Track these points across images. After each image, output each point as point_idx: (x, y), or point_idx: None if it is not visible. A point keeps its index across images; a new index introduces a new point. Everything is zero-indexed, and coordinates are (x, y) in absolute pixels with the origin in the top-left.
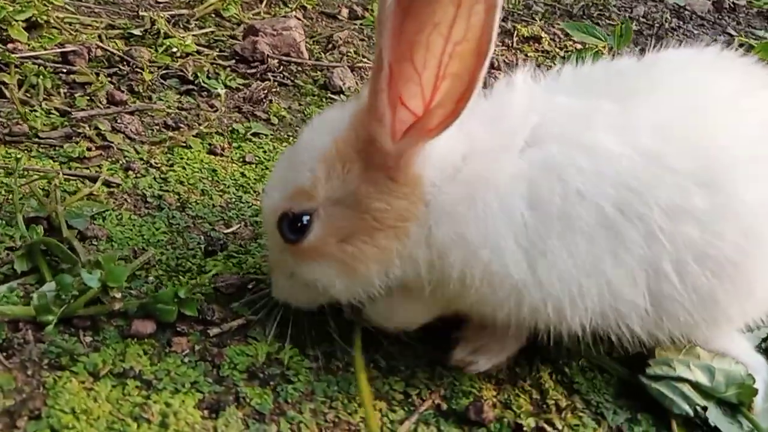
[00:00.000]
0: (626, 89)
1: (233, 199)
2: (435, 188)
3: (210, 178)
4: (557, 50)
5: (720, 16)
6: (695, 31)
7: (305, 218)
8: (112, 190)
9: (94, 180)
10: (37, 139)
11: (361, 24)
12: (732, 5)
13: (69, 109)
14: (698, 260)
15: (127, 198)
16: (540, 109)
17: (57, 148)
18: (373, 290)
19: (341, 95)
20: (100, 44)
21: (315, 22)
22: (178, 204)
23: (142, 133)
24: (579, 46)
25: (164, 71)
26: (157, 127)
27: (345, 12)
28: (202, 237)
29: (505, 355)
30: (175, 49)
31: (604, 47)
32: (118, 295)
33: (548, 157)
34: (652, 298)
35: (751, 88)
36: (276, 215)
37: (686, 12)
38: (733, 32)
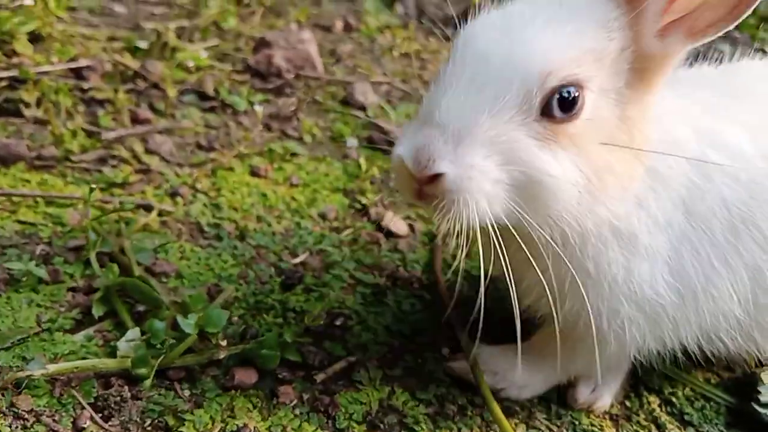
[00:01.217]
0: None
1: (292, 226)
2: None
3: (262, 204)
4: None
5: None
6: None
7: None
8: (164, 218)
9: (145, 208)
10: (69, 163)
11: (358, 36)
12: None
13: (97, 129)
14: None
15: (182, 227)
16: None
17: (93, 172)
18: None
19: (364, 111)
20: (118, 59)
21: (312, 34)
22: (237, 233)
23: (177, 155)
24: None
25: (181, 86)
26: (191, 148)
27: (339, 24)
28: (273, 269)
29: (620, 385)
30: (189, 63)
31: None
32: (224, 343)
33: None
34: (751, 307)
35: None
36: (558, 81)
37: None
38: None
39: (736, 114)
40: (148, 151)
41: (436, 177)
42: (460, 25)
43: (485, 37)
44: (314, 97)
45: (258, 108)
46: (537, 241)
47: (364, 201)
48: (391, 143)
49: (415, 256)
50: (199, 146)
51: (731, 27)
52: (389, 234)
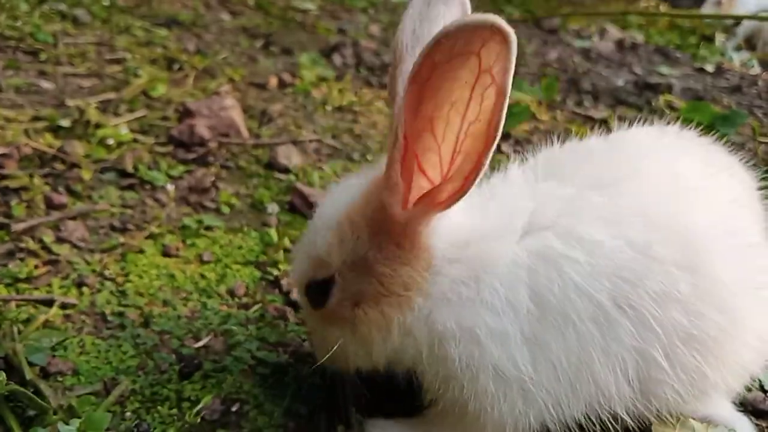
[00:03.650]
0: (605, 176)
1: (198, 307)
2: (442, 261)
3: (169, 286)
4: None
5: (623, 56)
6: (604, 73)
7: (324, 286)
8: (68, 312)
9: (47, 303)
10: None
11: (292, 92)
12: (632, 44)
13: (7, 221)
14: (685, 342)
15: (85, 319)
16: (532, 197)
17: None
18: (378, 361)
19: (288, 174)
20: (30, 142)
21: (245, 94)
22: (141, 320)
23: (89, 240)
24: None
25: (101, 165)
26: (104, 231)
27: (274, 81)
28: (174, 356)
29: None
30: (110, 141)
31: (532, 102)
32: None
33: (546, 247)
34: (640, 384)
35: (716, 168)
36: (303, 285)
37: (593, 54)
38: (638, 71)
39: (599, 210)
40: (59, 240)
41: None
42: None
43: None
44: (237, 163)
45: (170, 188)
46: None
47: (275, 273)
48: (310, 206)
49: None
50: (113, 228)
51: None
52: (297, 306)
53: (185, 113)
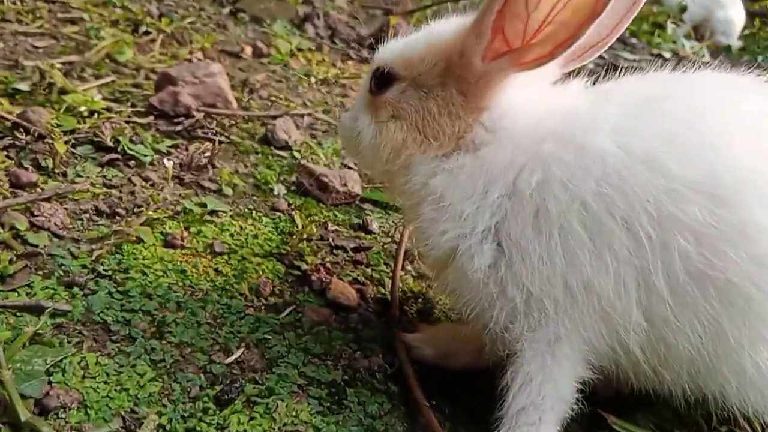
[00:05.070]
0: (647, 95)
1: (219, 310)
2: (487, 132)
3: (181, 284)
4: None
5: None
6: None
7: (391, 79)
8: (58, 320)
9: (32, 310)
10: None
11: (269, 62)
12: None
13: None
14: (695, 279)
15: (83, 331)
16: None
17: None
18: (377, 170)
19: (288, 150)
20: None
21: (220, 63)
22: (153, 329)
23: (71, 227)
24: None
25: (73, 137)
26: (88, 216)
27: (249, 50)
28: (203, 376)
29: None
30: (81, 108)
31: None
32: None
33: (541, 152)
34: (648, 316)
35: None
36: (380, 64)
37: None
38: (604, 55)
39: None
40: (35, 227)
41: None
42: (376, 47)
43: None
44: (230, 137)
45: (168, 163)
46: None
47: (303, 266)
48: (322, 187)
49: (371, 333)
50: (99, 212)
51: (552, 62)
52: (337, 307)
53: (165, 80)
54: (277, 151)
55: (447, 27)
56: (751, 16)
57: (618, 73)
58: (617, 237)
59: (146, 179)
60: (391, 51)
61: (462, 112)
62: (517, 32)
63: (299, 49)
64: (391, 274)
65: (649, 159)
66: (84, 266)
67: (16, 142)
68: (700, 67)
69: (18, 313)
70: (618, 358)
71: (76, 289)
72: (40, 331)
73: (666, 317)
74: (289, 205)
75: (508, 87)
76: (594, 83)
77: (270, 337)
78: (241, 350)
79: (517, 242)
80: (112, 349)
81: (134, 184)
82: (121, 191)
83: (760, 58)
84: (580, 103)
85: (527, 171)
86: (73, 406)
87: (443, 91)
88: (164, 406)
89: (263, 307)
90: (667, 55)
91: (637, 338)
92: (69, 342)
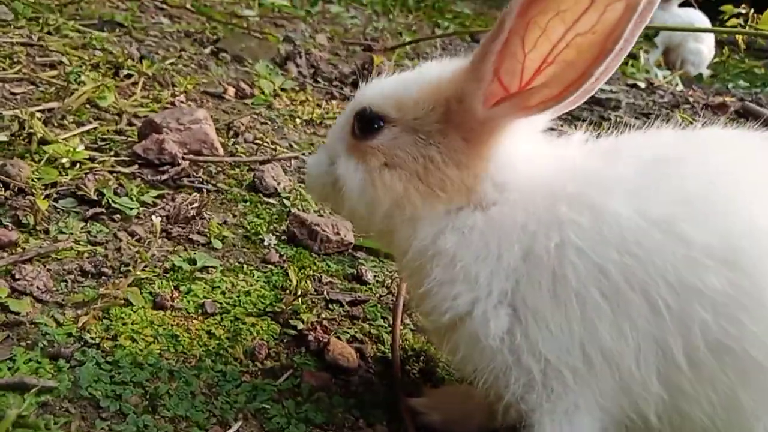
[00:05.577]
0: (656, 155)
1: (214, 378)
2: (495, 189)
3: (173, 350)
4: None
5: None
6: None
7: (380, 122)
8: (43, 398)
9: (16, 388)
10: None
11: (252, 103)
12: None
13: None
14: (713, 350)
15: (70, 408)
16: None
17: None
18: (373, 224)
19: (278, 197)
20: None
21: (203, 105)
22: (146, 403)
23: (56, 290)
24: None
25: (55, 190)
26: (72, 277)
27: (231, 91)
28: None
29: None
30: (63, 159)
31: None
32: None
33: (555, 215)
34: (665, 386)
35: None
36: (362, 105)
37: None
38: None
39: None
40: (16, 292)
41: None
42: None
43: None
44: (217, 185)
45: (155, 219)
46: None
47: (298, 325)
48: (314, 237)
49: (374, 398)
50: (84, 273)
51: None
52: (337, 369)
53: (149, 126)
54: (266, 199)
55: (441, 69)
56: (720, 44)
57: (609, 124)
58: (635, 306)
59: (132, 234)
60: (377, 90)
61: (466, 159)
62: (513, 74)
63: (282, 89)
64: (389, 329)
65: (666, 225)
66: (69, 334)
67: None
68: (705, 122)
69: (0, 393)
70: (633, 427)
71: (62, 362)
72: (24, 413)
73: (682, 387)
74: (281, 256)
75: (512, 134)
76: (597, 136)
77: (268, 406)
78: (239, 422)
79: (534, 308)
80: (102, 429)
81: (120, 240)
82: (106, 248)
83: (730, 86)
84: (589, 161)
85: (542, 235)
86: None
87: (445, 138)
88: None
89: (259, 373)
90: (642, 84)
91: (656, 407)
92: (56, 423)
